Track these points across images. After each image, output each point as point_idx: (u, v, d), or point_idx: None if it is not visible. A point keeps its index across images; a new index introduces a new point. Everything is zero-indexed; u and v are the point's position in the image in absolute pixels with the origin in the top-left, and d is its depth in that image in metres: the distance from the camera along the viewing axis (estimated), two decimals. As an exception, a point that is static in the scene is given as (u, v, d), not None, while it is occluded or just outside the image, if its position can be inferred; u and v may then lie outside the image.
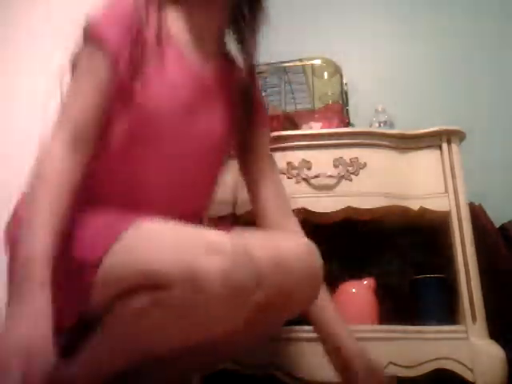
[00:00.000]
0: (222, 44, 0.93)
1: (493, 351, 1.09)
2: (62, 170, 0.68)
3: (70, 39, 1.35)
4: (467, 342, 1.10)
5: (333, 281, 1.08)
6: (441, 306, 1.20)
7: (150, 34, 0.77)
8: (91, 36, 0.75)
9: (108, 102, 0.74)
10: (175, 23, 0.84)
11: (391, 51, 2.07)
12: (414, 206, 1.22)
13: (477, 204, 1.38)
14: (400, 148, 1.26)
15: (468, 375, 1.09)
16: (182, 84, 0.80)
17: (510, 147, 1.77)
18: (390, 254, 1.42)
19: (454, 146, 1.24)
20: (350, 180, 1.22)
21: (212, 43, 0.88)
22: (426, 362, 1.11)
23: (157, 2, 0.81)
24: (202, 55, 0.86)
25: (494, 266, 1.29)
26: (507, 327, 1.18)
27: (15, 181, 1.24)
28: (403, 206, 1.21)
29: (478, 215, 1.33)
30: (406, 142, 1.27)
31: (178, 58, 0.81)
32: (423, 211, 1.22)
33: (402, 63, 2.03)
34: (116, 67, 0.74)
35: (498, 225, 1.40)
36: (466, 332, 1.11)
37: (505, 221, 1.40)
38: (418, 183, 1.23)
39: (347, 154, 1.23)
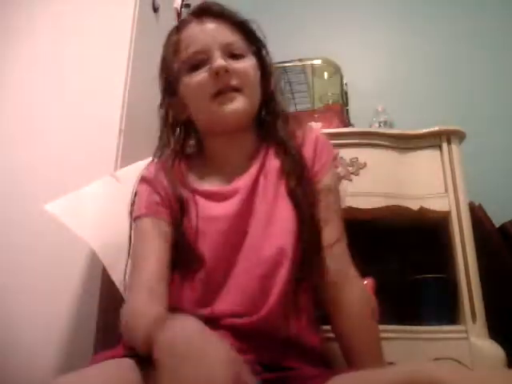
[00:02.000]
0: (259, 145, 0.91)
1: (493, 351, 1.08)
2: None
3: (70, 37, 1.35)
4: (467, 342, 1.10)
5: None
6: (441, 305, 1.20)
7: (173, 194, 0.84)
8: (135, 218, 0.85)
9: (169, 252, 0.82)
10: (194, 170, 0.89)
11: (391, 51, 2.07)
12: (414, 205, 1.22)
13: (477, 204, 1.39)
14: (400, 148, 1.26)
15: (468, 375, 1.09)
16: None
17: (510, 147, 1.78)
18: (390, 254, 1.42)
19: (453, 146, 1.24)
20: (350, 180, 1.22)
21: (243, 157, 0.89)
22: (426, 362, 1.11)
23: (171, 163, 0.86)
24: (232, 175, 0.87)
25: (494, 266, 1.29)
26: (507, 327, 1.18)
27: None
28: (403, 206, 1.21)
29: (478, 215, 1.33)
30: (406, 142, 1.27)
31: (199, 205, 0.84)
32: (423, 211, 1.22)
33: (402, 63, 2.03)
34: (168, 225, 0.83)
35: (498, 225, 1.40)
36: (466, 332, 1.11)
37: (505, 221, 1.40)
38: (418, 183, 1.23)
39: (347, 154, 1.23)
